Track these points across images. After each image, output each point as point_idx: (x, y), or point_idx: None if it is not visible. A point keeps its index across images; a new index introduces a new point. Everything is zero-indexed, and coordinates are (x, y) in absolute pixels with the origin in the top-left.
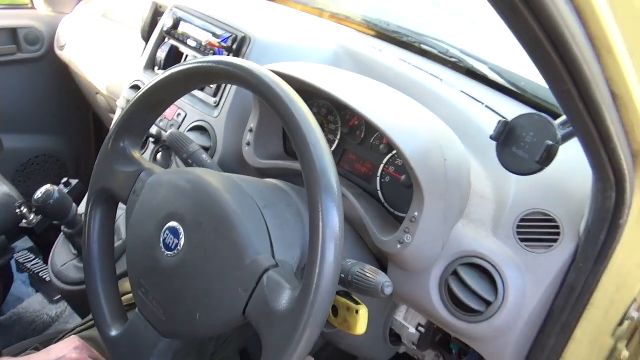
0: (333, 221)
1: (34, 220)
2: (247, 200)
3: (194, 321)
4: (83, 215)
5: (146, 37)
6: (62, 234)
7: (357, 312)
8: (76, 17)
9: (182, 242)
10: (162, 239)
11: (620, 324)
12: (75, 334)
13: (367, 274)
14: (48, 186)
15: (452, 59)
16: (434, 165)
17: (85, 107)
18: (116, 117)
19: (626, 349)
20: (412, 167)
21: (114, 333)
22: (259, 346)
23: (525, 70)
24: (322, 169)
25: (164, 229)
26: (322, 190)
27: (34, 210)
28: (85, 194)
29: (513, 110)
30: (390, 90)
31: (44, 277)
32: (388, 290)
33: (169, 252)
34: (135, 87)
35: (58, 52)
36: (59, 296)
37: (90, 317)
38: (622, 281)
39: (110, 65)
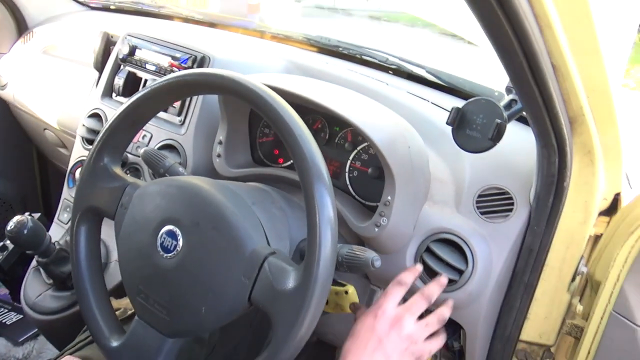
0: (327, 205)
1: None
2: (238, 198)
3: (200, 315)
4: (56, 243)
5: (99, 67)
6: (30, 267)
7: (346, 292)
8: (15, 56)
9: (180, 243)
10: (159, 244)
11: (573, 279)
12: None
13: (357, 252)
14: (20, 216)
15: (392, 66)
16: (401, 153)
17: (27, 145)
18: (75, 146)
19: (579, 304)
20: (383, 155)
21: (115, 344)
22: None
23: (458, 71)
24: (312, 159)
25: (160, 234)
26: (314, 177)
27: None
28: (47, 226)
29: (455, 104)
30: (349, 91)
31: (3, 320)
32: (377, 263)
33: (168, 254)
34: (95, 116)
35: None
36: (24, 337)
37: (79, 339)
38: (570, 239)
39: (59, 99)
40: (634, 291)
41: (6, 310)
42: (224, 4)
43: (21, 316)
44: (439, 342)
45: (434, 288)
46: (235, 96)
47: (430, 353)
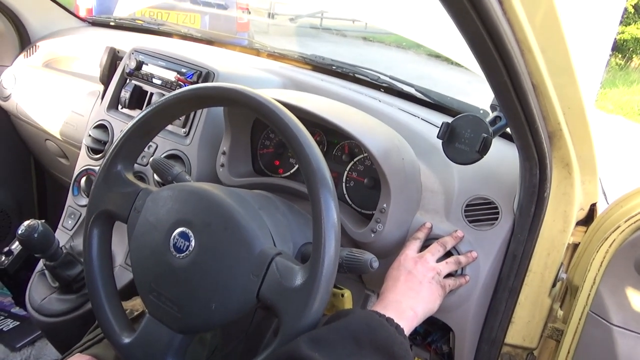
0: (331, 208)
1: (5, 261)
2: (246, 203)
3: (210, 312)
4: (63, 247)
5: (105, 80)
6: (35, 271)
7: (342, 295)
8: (18, 69)
9: (192, 243)
10: (171, 244)
11: (554, 285)
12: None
13: (356, 254)
14: (31, 220)
15: (384, 84)
16: (395, 163)
17: (25, 156)
18: (80, 156)
19: (560, 309)
20: (380, 166)
21: (126, 340)
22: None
23: (447, 90)
24: (318, 166)
25: (172, 235)
26: (320, 183)
27: (4, 251)
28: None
29: (444, 121)
30: (346, 106)
31: (1, 327)
32: (375, 264)
33: (180, 254)
34: (101, 127)
35: (1, 102)
36: (22, 343)
37: (87, 338)
38: (551, 246)
39: (62, 111)
40: (609, 292)
41: (3, 318)
42: (213, 22)
43: (18, 323)
44: (460, 280)
45: (449, 239)
46: (247, 109)
47: (451, 287)
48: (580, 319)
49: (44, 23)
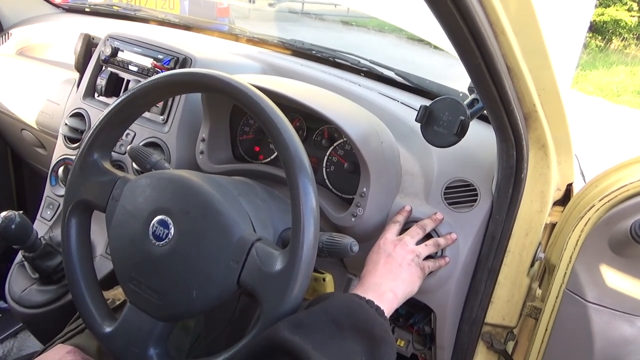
0: (310, 194)
1: None
2: (225, 189)
3: (191, 299)
4: (42, 238)
5: (81, 68)
6: (15, 263)
7: (324, 279)
8: None
9: (172, 231)
10: (150, 232)
11: (532, 265)
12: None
13: (336, 238)
14: (8, 211)
15: (364, 69)
16: (374, 147)
17: (2, 147)
18: (57, 145)
19: (539, 288)
20: (359, 150)
21: (107, 329)
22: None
23: (426, 73)
24: (295, 152)
25: (151, 223)
26: (298, 169)
27: None
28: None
29: (423, 104)
30: (325, 91)
31: None
32: (355, 248)
33: (160, 242)
34: (77, 115)
35: None
36: (3, 335)
37: (68, 329)
38: (528, 227)
39: (38, 100)
40: (584, 270)
41: None
42: (193, 7)
43: None
44: (440, 262)
45: (429, 221)
46: (223, 94)
47: (430, 269)
48: (557, 297)
49: (17, 9)
